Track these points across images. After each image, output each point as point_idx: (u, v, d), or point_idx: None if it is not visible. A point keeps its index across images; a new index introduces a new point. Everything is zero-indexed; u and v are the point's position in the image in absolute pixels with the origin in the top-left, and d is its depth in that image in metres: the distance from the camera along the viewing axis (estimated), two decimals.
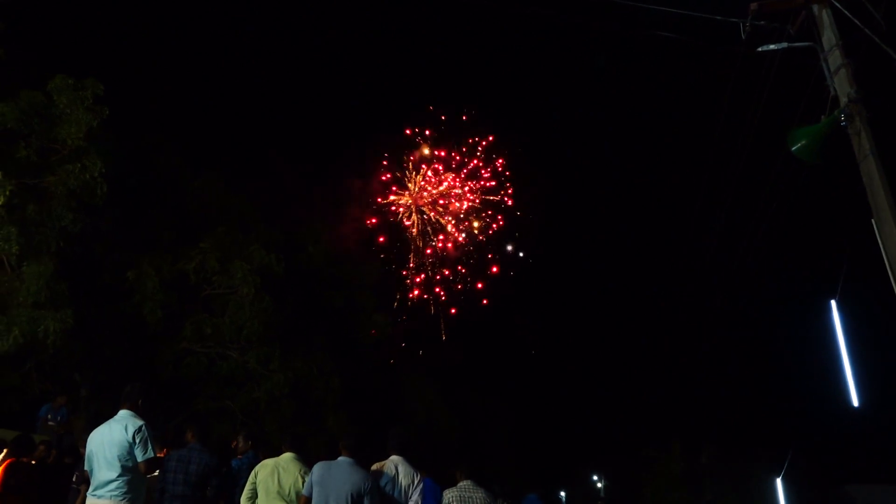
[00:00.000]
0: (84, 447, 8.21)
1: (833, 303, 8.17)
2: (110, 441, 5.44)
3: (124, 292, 14.51)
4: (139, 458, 5.43)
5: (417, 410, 25.98)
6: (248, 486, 6.15)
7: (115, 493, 5.34)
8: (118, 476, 5.36)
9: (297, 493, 5.91)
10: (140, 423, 5.55)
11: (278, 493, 6.01)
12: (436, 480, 8.09)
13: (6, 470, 7.82)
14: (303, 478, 5.92)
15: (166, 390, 15.27)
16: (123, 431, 5.45)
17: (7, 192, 11.15)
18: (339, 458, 5.77)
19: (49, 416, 11.91)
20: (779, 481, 28.19)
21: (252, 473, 6.20)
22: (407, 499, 6.03)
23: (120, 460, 5.38)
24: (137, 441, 5.44)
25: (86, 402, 14.85)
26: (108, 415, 5.81)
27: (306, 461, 6.25)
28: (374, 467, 6.11)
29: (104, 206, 13.26)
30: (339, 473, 5.62)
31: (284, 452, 6.28)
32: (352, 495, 5.50)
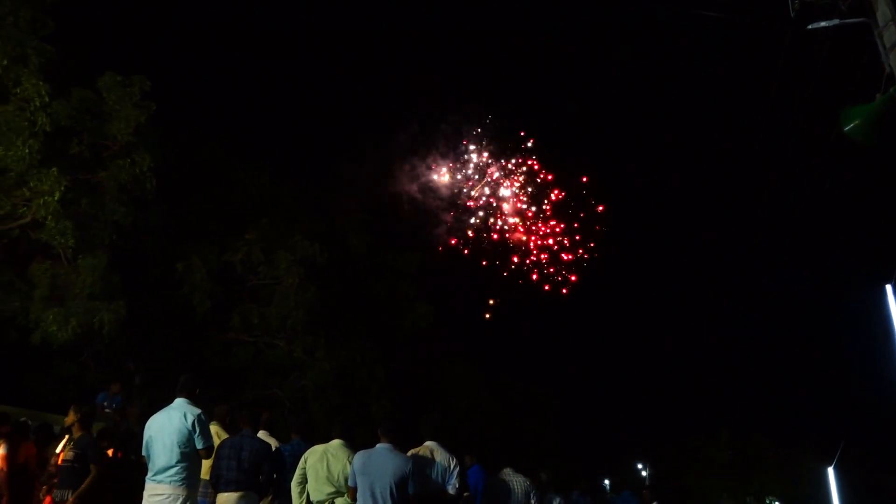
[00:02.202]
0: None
1: (889, 287, 7.95)
2: (170, 428, 5.63)
3: (174, 283, 14.89)
4: (199, 446, 5.63)
5: (460, 397, 26.08)
6: (298, 472, 6.30)
7: (175, 478, 5.54)
8: (177, 462, 5.55)
9: (346, 479, 6.02)
10: (198, 411, 5.76)
11: (327, 478, 6.13)
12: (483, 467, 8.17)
13: None
14: (351, 464, 6.02)
15: (215, 379, 15.64)
16: (183, 419, 5.65)
17: (62, 188, 11.47)
18: (378, 446, 5.85)
19: (105, 404, 12.29)
20: (831, 470, 27.53)
21: (302, 459, 6.33)
22: (445, 483, 6.11)
23: (180, 447, 5.57)
24: (197, 429, 5.64)
25: (139, 390, 15.32)
26: (161, 402, 6.02)
27: (354, 448, 6.36)
28: (409, 453, 6.21)
29: (153, 200, 13.58)
30: (379, 460, 5.70)
31: (334, 439, 6.40)
32: (395, 481, 5.58)
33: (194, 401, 5.86)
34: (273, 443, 7.25)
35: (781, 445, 37.51)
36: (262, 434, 7.32)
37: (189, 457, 5.62)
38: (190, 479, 5.62)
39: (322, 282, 16.60)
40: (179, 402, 5.82)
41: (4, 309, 12.90)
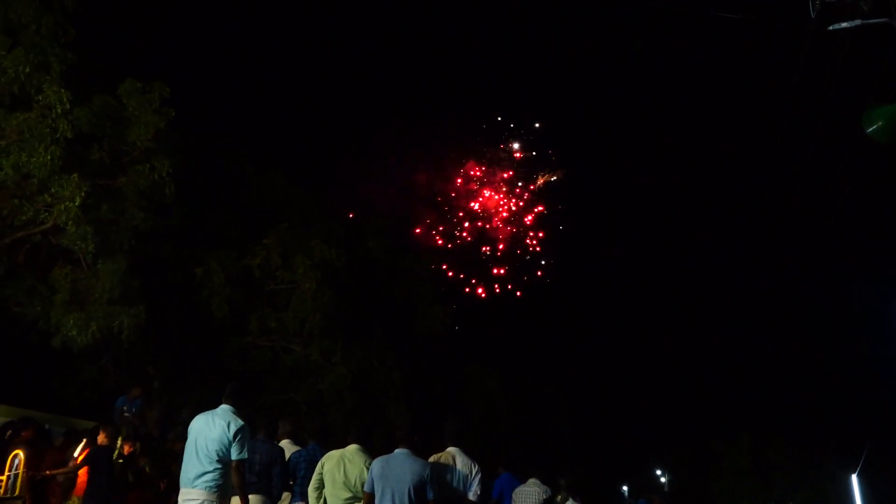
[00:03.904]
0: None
1: None
2: (210, 435, 5.69)
3: (193, 288, 14.97)
4: (234, 456, 5.68)
5: (478, 401, 26.02)
6: (314, 477, 6.30)
7: (210, 484, 5.58)
8: (214, 469, 5.60)
9: (363, 484, 6.00)
10: (242, 423, 5.82)
11: (344, 483, 6.12)
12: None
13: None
14: (367, 469, 6.01)
15: (239, 379, 15.69)
16: (225, 428, 5.70)
17: (83, 194, 11.58)
18: (396, 451, 5.83)
19: (125, 408, 12.40)
20: (854, 477, 27.06)
21: (319, 464, 6.34)
22: (466, 489, 6.08)
23: (218, 454, 5.63)
24: (237, 440, 5.69)
25: (158, 394, 15.42)
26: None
27: (371, 453, 6.35)
28: (431, 459, 6.19)
29: (173, 205, 13.68)
30: (397, 466, 5.68)
31: (350, 444, 6.40)
32: (413, 486, 5.56)
33: (239, 410, 5.90)
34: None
35: (804, 451, 36.92)
36: (285, 443, 7.38)
37: (226, 464, 5.67)
38: (224, 487, 5.64)
39: (339, 285, 16.62)
40: (224, 409, 5.87)
41: (26, 313, 13.06)
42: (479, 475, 6.23)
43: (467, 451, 6.30)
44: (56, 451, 8.94)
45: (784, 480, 37.70)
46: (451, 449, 6.28)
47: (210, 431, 5.68)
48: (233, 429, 5.70)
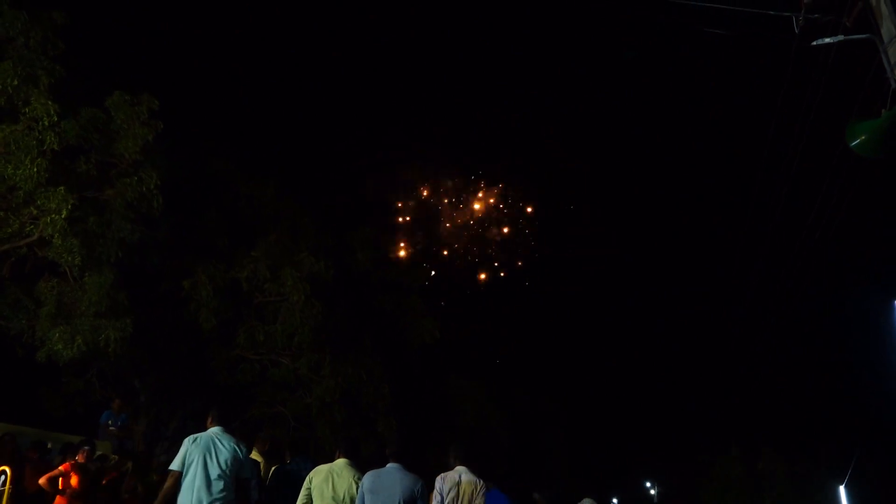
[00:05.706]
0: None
1: None
2: (220, 457, 5.66)
3: (180, 300, 14.88)
4: (246, 475, 5.79)
5: (468, 413, 25.93)
6: (302, 492, 6.26)
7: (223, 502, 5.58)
8: (224, 489, 5.58)
9: (352, 499, 5.99)
10: (243, 443, 5.90)
11: (332, 498, 6.09)
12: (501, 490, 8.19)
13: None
14: (356, 483, 6.01)
15: (222, 396, 15.60)
16: (236, 448, 5.75)
17: (69, 206, 11.52)
18: (388, 465, 5.86)
19: (110, 422, 12.29)
20: (842, 488, 27.15)
21: (307, 479, 6.30)
22: None
23: (233, 473, 5.65)
24: (247, 459, 5.81)
25: (145, 408, 15.29)
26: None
27: (359, 467, 6.34)
28: (438, 478, 6.36)
29: (160, 217, 13.61)
30: (388, 480, 5.70)
31: (339, 458, 6.38)
32: (403, 500, 5.56)
33: (229, 431, 5.93)
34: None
35: (793, 462, 37.02)
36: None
37: (234, 483, 5.69)
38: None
39: (328, 298, 16.54)
40: (218, 430, 5.85)
41: (11, 327, 12.96)
42: (484, 492, 6.35)
43: (473, 470, 6.46)
44: (32, 465, 8.86)
45: (773, 492, 37.77)
46: (458, 468, 6.45)
47: (220, 453, 5.64)
48: (242, 449, 5.80)
